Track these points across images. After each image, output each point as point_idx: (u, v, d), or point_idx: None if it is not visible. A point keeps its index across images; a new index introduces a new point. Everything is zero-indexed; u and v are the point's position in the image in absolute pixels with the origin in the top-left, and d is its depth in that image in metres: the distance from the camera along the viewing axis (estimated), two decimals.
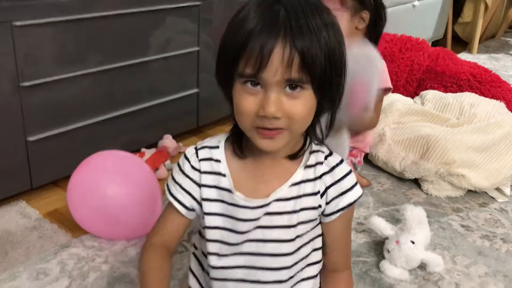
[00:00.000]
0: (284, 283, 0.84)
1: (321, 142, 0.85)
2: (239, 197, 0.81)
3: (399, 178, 1.68)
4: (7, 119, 1.33)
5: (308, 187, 0.82)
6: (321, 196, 0.82)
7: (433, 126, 1.70)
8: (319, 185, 0.82)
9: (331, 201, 0.83)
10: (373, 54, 1.35)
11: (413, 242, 1.23)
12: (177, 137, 1.83)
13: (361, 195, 0.85)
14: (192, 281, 0.94)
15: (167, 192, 0.87)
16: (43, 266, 1.19)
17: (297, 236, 0.83)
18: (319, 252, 0.88)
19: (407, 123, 1.74)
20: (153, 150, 1.69)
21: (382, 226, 1.30)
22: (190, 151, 0.85)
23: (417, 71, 2.27)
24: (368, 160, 1.74)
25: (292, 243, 0.82)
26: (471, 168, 1.57)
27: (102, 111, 1.56)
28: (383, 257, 1.27)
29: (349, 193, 0.83)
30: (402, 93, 2.16)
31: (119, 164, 1.29)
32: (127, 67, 1.57)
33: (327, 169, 0.82)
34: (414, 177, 1.63)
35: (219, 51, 0.75)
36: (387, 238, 1.29)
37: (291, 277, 0.84)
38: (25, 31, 1.29)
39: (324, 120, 0.83)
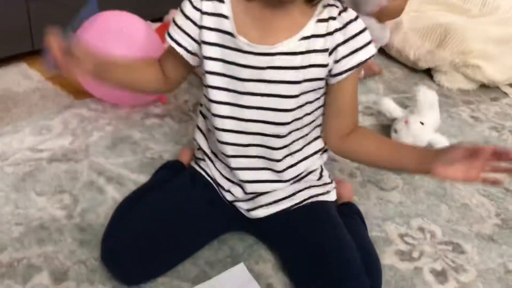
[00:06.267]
0: (284, 138, 0.83)
1: None
2: (242, 42, 0.76)
3: (412, 68, 1.63)
4: None
5: (319, 43, 0.77)
6: (330, 54, 0.78)
7: (453, 16, 1.62)
8: (330, 42, 0.77)
9: (341, 59, 0.78)
10: None
11: (422, 123, 1.21)
12: None
13: (374, 54, 0.80)
14: (198, 137, 0.93)
15: (167, 37, 0.83)
16: (46, 123, 1.18)
17: (302, 93, 0.79)
18: (320, 110, 0.86)
19: (427, 11, 1.66)
20: (158, 24, 1.63)
21: (392, 107, 1.27)
22: None
23: None
24: (381, 49, 1.67)
25: (295, 99, 0.79)
26: (487, 60, 1.52)
27: None
28: (390, 138, 1.26)
29: (361, 51, 0.78)
30: None
31: (123, 25, 1.23)
32: None
33: (339, 25, 0.77)
34: (427, 67, 1.58)
35: None
36: (395, 119, 1.26)
37: (291, 131, 0.83)
38: None
39: None
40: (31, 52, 1.42)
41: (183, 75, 0.90)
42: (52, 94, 1.30)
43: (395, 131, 1.23)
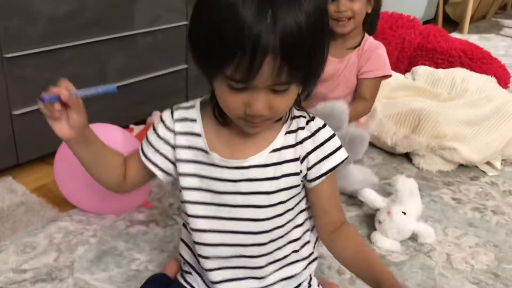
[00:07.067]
0: (264, 245, 0.83)
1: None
2: (215, 157, 0.80)
3: (390, 153, 1.67)
4: None
5: (289, 153, 0.80)
6: (301, 161, 0.81)
7: (424, 101, 1.69)
8: (300, 151, 0.81)
9: (313, 166, 0.81)
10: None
11: (404, 213, 1.22)
12: None
13: (346, 158, 0.83)
14: (182, 250, 0.93)
15: (140, 154, 0.85)
16: (30, 239, 1.17)
17: (280, 202, 0.81)
18: (304, 214, 0.88)
19: (398, 98, 1.73)
20: (142, 127, 1.67)
21: (373, 197, 1.29)
22: (165, 112, 0.83)
23: (408, 48, 2.25)
24: None
25: (272, 208, 0.81)
26: (462, 142, 1.57)
27: (88, 85, 1.52)
28: (374, 229, 1.27)
29: (332, 157, 0.81)
30: (393, 71, 2.14)
31: (106, 137, 1.25)
32: (114, 40, 1.54)
33: (308, 134, 0.81)
34: (405, 151, 1.63)
35: (198, 43, 0.69)
36: (378, 209, 1.28)
37: (272, 240, 0.83)
38: None
39: None
40: (16, 165, 1.44)
41: (141, 182, 0.90)
42: (37, 207, 1.30)
43: (379, 222, 1.24)
